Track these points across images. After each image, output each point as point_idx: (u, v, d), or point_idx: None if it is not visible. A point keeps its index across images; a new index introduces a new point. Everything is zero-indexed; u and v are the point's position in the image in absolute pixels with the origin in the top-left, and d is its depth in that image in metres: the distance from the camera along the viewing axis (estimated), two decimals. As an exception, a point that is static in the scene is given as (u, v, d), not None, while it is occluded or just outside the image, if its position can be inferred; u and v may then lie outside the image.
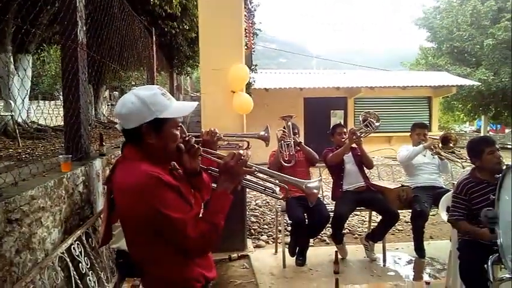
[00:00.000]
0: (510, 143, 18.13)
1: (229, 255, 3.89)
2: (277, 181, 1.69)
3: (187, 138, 1.52)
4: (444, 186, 4.18)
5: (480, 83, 15.31)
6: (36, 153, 4.03)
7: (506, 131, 23.14)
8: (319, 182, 1.69)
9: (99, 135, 3.57)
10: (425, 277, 3.63)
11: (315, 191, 1.65)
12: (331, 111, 13.10)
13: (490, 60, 16.28)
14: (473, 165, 2.91)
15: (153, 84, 5.95)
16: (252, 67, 6.37)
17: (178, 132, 1.46)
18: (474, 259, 2.58)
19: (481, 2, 16.80)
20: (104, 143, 3.41)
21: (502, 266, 2.29)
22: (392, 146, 12.98)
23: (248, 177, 1.58)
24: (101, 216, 2.94)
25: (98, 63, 4.11)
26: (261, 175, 1.63)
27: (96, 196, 3.02)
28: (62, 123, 4.58)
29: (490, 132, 21.89)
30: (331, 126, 4.33)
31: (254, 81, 7.12)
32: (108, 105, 13.06)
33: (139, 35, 5.79)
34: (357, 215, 5.53)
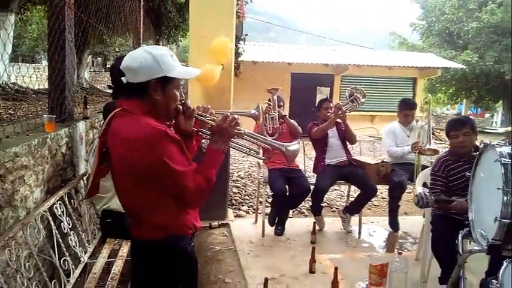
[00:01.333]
0: (489, 127, 18.64)
1: (209, 223, 3.97)
2: (261, 143, 1.78)
3: (183, 100, 1.62)
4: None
5: (464, 66, 15.49)
6: (18, 113, 3.96)
7: (486, 115, 23.74)
8: (298, 145, 1.80)
9: (84, 98, 3.53)
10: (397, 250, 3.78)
11: (295, 152, 1.77)
12: (318, 87, 13.12)
13: (476, 44, 16.42)
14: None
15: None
16: (242, 37, 6.27)
17: (178, 94, 1.56)
18: (446, 232, 2.70)
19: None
20: (88, 106, 3.38)
21: (472, 239, 2.41)
22: (375, 125, 13.18)
23: (235, 139, 1.69)
24: (84, 178, 2.96)
25: (84, 24, 4.00)
26: (247, 137, 1.74)
27: (79, 159, 3.02)
28: (42, 87, 4.49)
29: (470, 116, 22.34)
30: (318, 101, 4.37)
31: (243, 51, 7.01)
32: (90, 71, 12.77)
33: (127, -2, 5.63)
34: (336, 189, 5.67)
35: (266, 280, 2.63)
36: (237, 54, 6.35)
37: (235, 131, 1.63)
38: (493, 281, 1.77)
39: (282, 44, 17.30)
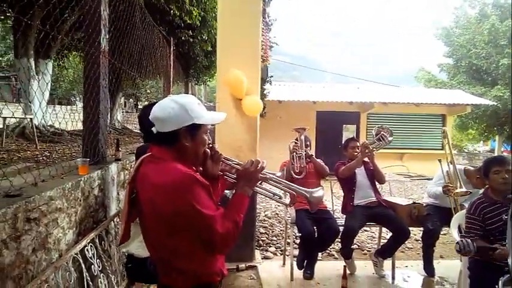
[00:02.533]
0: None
1: (237, 265, 3.89)
2: (285, 189, 1.77)
3: (211, 144, 1.65)
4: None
5: (495, 102, 15.12)
6: (54, 155, 4.13)
7: (522, 151, 22.80)
8: (322, 191, 1.78)
9: (116, 140, 3.65)
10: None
11: (320, 199, 1.76)
12: (344, 125, 13.08)
13: (506, 80, 16.10)
14: (487, 186, 2.91)
15: (169, 93, 6.05)
16: (267, 79, 6.43)
17: (206, 138, 1.59)
18: (485, 279, 2.55)
19: (499, 21, 16.68)
20: (120, 149, 3.48)
21: (514, 287, 2.26)
22: (404, 163, 12.91)
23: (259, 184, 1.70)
24: (115, 220, 3.00)
25: (118, 70, 4.22)
26: (271, 182, 1.75)
27: (110, 200, 3.08)
28: (77, 128, 4.68)
29: (504, 153, 21.54)
30: (345, 140, 4.35)
31: (268, 93, 7.17)
32: (123, 111, 13.28)
33: (158, 44, 5.92)
34: (366, 230, 5.49)
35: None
36: (263, 95, 6.49)
37: (261, 175, 1.65)
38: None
39: (305, 82, 17.51)
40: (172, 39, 6.49)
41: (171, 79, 6.19)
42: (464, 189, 3.65)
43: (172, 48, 6.39)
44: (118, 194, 3.19)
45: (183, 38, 6.89)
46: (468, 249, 2.54)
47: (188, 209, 1.41)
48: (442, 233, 4.03)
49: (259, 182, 1.70)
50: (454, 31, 18.79)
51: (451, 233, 3.40)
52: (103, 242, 2.74)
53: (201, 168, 1.67)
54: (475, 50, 16.98)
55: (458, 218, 3.28)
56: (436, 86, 18.64)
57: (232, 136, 4.01)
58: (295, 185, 1.79)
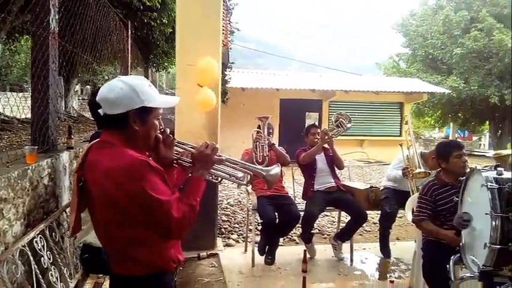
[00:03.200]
0: (477, 150, 18.90)
1: (198, 253, 3.87)
2: (241, 169, 1.77)
3: (163, 129, 1.60)
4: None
5: (450, 91, 15.81)
6: (1, 144, 3.89)
7: (474, 138, 24.09)
8: (278, 168, 1.79)
9: (68, 127, 3.48)
10: (390, 276, 3.72)
11: (276, 177, 1.78)
12: (306, 113, 13.24)
13: (460, 69, 16.83)
14: (440, 168, 3.02)
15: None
16: (229, 64, 6.34)
17: (158, 123, 1.54)
18: (437, 259, 2.67)
19: (454, 11, 17.34)
20: (72, 136, 3.33)
21: (463, 265, 2.37)
22: (364, 150, 13.28)
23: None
24: (67, 210, 2.87)
25: (69, 53, 4.00)
26: (227, 164, 1.74)
27: (62, 190, 2.95)
28: (29, 116, 4.44)
29: (458, 139, 22.69)
30: (306, 127, 4.39)
31: (230, 79, 7.09)
32: (79, 99, 12.74)
33: (114, 27, 5.67)
34: (327, 215, 5.61)
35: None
36: (224, 81, 6.40)
37: (216, 157, 1.63)
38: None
39: (270, 70, 17.53)
40: (130, 22, 6.25)
41: (129, 64, 5.97)
42: (423, 170, 3.78)
43: (130, 32, 6.15)
44: (70, 183, 3.05)
45: (142, 23, 6.65)
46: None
47: (141, 195, 1.37)
48: (398, 215, 4.18)
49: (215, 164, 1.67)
50: (410, 22, 19.40)
51: (406, 215, 3.53)
52: (54, 233, 2.62)
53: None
54: (431, 40, 17.61)
55: (413, 200, 3.39)
56: (398, 73, 19.24)
57: (193, 122, 3.94)
58: (251, 165, 1.80)
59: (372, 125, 13.86)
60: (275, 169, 1.80)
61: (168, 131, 1.63)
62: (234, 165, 1.75)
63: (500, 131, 18.41)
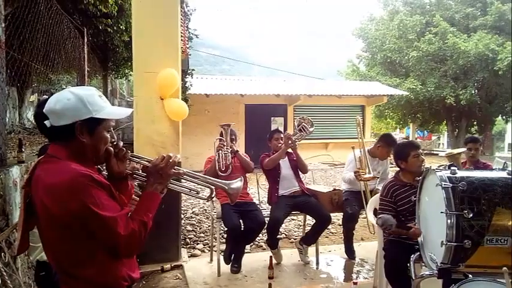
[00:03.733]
0: (436, 149, 19.67)
1: (161, 266, 3.75)
2: (201, 183, 1.71)
3: (115, 142, 1.54)
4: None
5: (409, 93, 16.41)
6: None
7: (433, 137, 25.08)
8: (240, 182, 1.74)
9: (19, 140, 3.30)
10: (355, 277, 3.76)
11: (237, 191, 1.72)
12: (272, 118, 13.31)
13: (417, 72, 17.52)
14: (399, 169, 3.10)
15: (84, 87, 5.64)
16: (189, 71, 6.25)
17: (109, 135, 1.47)
18: (398, 258, 2.72)
19: (409, 15, 18.06)
20: (23, 149, 3.15)
21: (423, 263, 2.43)
22: (329, 152, 13.50)
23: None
24: (17, 227, 2.70)
25: (18, 63, 3.81)
26: (186, 178, 1.67)
27: (12, 207, 2.77)
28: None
29: (418, 139, 23.55)
30: (269, 132, 4.39)
31: (191, 86, 6.98)
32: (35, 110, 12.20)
33: (69, 34, 5.47)
34: (293, 219, 5.63)
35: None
36: (185, 88, 6.29)
37: (173, 171, 1.56)
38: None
39: (235, 75, 17.54)
40: (86, 29, 6.04)
41: (86, 73, 5.77)
42: (371, 175, 3.89)
43: (86, 39, 5.95)
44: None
45: (99, 28, 6.44)
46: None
47: (84, 211, 1.30)
48: (362, 216, 4.24)
49: (174, 178, 1.61)
50: (369, 27, 20.04)
51: (367, 216, 3.58)
52: (3, 253, 2.45)
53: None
54: (388, 44, 18.24)
55: (374, 202, 3.46)
56: (359, 77, 19.75)
57: (153, 132, 3.83)
58: (212, 178, 1.75)
59: (336, 128, 14.13)
60: (237, 183, 1.75)
61: (121, 144, 1.57)
62: (194, 179, 1.69)
63: (457, 130, 19.27)
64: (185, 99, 5.82)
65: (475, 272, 2.04)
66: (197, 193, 1.73)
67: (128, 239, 1.36)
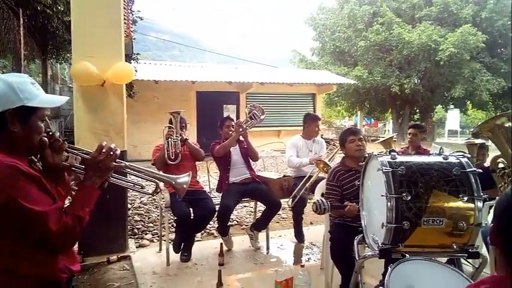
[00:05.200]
0: (382, 136, 20.58)
1: (108, 257, 3.63)
2: (146, 177, 1.65)
3: (51, 132, 1.45)
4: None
5: (356, 81, 16.96)
6: None
7: (379, 125, 26.22)
8: (188, 177, 1.69)
9: None
10: (304, 261, 3.86)
11: (184, 186, 1.67)
12: (224, 105, 13.23)
13: (365, 61, 18.13)
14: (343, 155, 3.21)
15: (20, 72, 5.25)
16: (134, 56, 5.99)
17: (43, 125, 1.40)
18: (343, 240, 2.80)
19: (358, 5, 18.56)
20: None
21: (366, 245, 2.52)
22: (281, 140, 13.69)
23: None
24: None
25: None
26: (129, 171, 1.61)
27: None
28: None
29: (366, 127, 24.52)
30: (220, 120, 4.35)
31: (136, 71, 6.67)
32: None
33: (2, 16, 5.05)
34: (245, 206, 5.66)
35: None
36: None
37: (114, 163, 1.49)
38: (381, 287, 1.83)
39: (186, 62, 17.19)
40: (22, 10, 5.60)
41: (22, 57, 5.36)
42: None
43: (22, 21, 5.51)
44: None
45: (37, 9, 5.99)
46: (323, 207, 2.76)
47: (11, 204, 1.22)
48: (313, 201, 4.33)
49: (115, 172, 1.54)
50: (320, 16, 20.38)
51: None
52: None
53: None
54: (338, 33, 18.68)
55: (321, 186, 3.54)
56: (307, 66, 20.08)
57: (95, 120, 3.64)
58: (158, 172, 1.69)
59: (288, 115, 14.32)
60: (184, 177, 1.70)
61: (57, 134, 1.48)
62: (137, 173, 1.63)
63: (401, 118, 20.25)
64: (130, 85, 5.58)
65: (413, 252, 2.14)
66: (142, 188, 1.67)
67: (61, 235, 1.30)
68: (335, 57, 19.86)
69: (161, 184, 3.79)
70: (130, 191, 6.16)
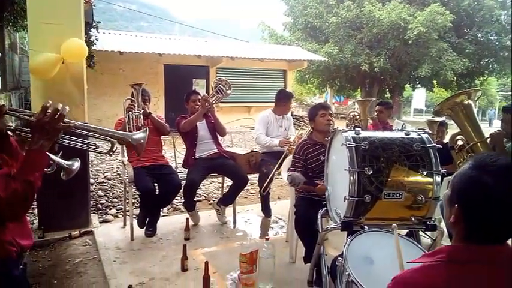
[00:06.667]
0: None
1: (69, 233, 3.53)
2: (100, 136, 1.60)
3: None
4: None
5: (327, 58, 16.97)
6: None
7: (349, 102, 26.59)
8: (144, 133, 1.65)
9: None
10: (270, 234, 3.91)
11: (142, 141, 1.65)
12: (193, 80, 12.96)
13: (336, 38, 18.12)
14: (311, 129, 3.23)
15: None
16: (94, 24, 5.67)
17: None
18: (307, 213, 2.84)
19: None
20: None
21: (329, 218, 2.57)
22: (252, 116, 13.65)
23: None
24: None
25: None
26: (80, 131, 1.55)
27: None
28: None
29: (335, 104, 24.82)
30: (186, 94, 4.25)
31: (96, 40, 6.32)
32: None
33: None
34: (214, 181, 5.64)
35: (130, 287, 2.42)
36: (90, 42, 5.68)
37: (61, 124, 1.41)
38: (339, 258, 1.87)
39: (154, 33, 16.62)
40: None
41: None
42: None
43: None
44: None
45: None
46: (298, 181, 2.79)
47: None
48: (280, 176, 4.36)
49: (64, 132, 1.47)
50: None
51: (282, 175, 3.69)
52: None
53: None
54: (310, 9, 18.51)
55: (289, 162, 3.55)
56: (277, 41, 19.89)
57: (53, 91, 3.43)
58: (112, 130, 1.64)
59: (259, 91, 14.24)
60: (140, 134, 1.67)
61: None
62: (90, 133, 1.57)
63: (370, 96, 20.57)
64: (90, 56, 5.32)
65: (374, 224, 2.19)
66: (96, 147, 1.62)
67: (10, 201, 1.24)
68: (306, 33, 19.73)
69: (125, 160, 3.69)
70: (95, 166, 6.01)
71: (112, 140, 1.59)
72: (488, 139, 2.85)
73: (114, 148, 1.63)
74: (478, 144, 2.78)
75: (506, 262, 0.98)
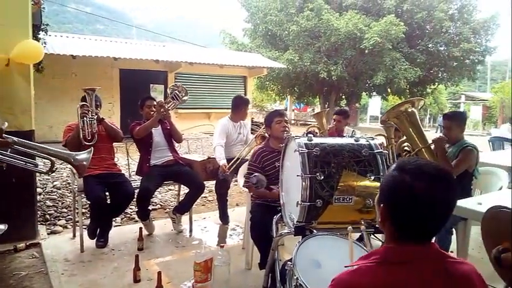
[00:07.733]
0: (310, 121, 21.32)
1: (14, 245, 3.33)
2: (40, 154, 1.51)
3: None
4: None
5: (287, 65, 17.24)
6: None
7: (308, 109, 27.11)
8: (88, 154, 1.58)
9: None
10: (228, 241, 3.88)
11: (84, 163, 1.57)
12: (151, 85, 12.70)
13: (295, 46, 18.45)
14: (268, 136, 3.25)
15: None
16: (42, 26, 5.42)
17: None
18: (262, 219, 2.86)
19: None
20: None
21: (284, 224, 2.59)
22: (212, 122, 13.56)
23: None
24: None
25: None
26: (19, 148, 1.44)
27: None
28: None
29: (295, 111, 25.23)
30: (141, 99, 4.16)
31: (45, 43, 6.02)
32: None
33: None
34: (170, 189, 5.53)
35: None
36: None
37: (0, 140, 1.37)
38: (288, 262, 1.89)
39: (110, 37, 16.17)
40: None
41: None
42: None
43: None
44: None
45: None
46: (262, 183, 2.79)
47: None
48: (235, 183, 4.33)
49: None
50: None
51: (238, 181, 3.68)
52: None
53: None
54: (270, 17, 18.75)
55: (245, 168, 3.55)
56: (237, 48, 19.96)
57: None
58: (54, 148, 1.55)
59: (219, 97, 14.19)
60: (84, 154, 1.60)
61: None
62: (30, 150, 1.48)
63: (327, 103, 21.08)
64: (39, 61, 5.07)
65: (326, 228, 2.24)
66: (35, 166, 1.53)
67: None
68: (267, 40, 19.94)
69: (55, 168, 3.57)
70: (41, 174, 5.72)
71: (52, 159, 1.51)
72: (432, 145, 3.00)
73: (54, 168, 1.55)
74: (423, 150, 2.91)
75: (432, 260, 1.06)
